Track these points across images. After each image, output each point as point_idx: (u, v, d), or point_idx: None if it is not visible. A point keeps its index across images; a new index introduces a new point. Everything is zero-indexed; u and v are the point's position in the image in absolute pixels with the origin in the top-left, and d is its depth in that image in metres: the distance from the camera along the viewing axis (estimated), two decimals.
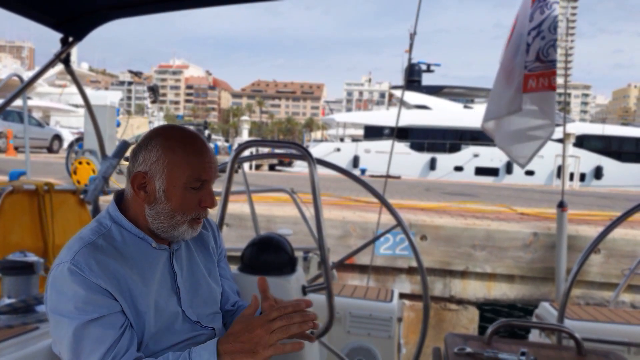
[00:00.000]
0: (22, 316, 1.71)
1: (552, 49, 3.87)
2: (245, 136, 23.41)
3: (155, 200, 1.23)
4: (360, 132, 28.79)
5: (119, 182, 6.73)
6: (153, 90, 11.93)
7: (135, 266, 1.21)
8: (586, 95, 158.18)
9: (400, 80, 36.51)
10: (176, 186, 1.22)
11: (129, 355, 1.11)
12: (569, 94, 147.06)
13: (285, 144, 2.54)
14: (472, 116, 25.24)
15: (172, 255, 1.31)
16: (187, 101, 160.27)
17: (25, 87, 2.67)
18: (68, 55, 2.41)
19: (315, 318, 1.08)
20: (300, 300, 1.07)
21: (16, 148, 15.92)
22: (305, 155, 2.22)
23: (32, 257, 1.95)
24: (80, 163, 7.87)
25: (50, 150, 18.95)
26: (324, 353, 2.64)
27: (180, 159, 1.22)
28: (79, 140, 9.87)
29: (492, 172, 23.45)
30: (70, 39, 2.30)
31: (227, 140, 49.44)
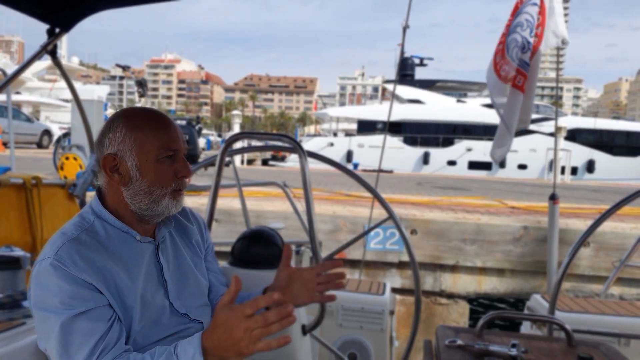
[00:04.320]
0: (8, 311, 1.69)
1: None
2: (236, 130, 23.32)
3: (130, 179, 1.22)
4: (354, 126, 28.78)
5: None
6: (141, 84, 11.79)
7: (120, 261, 1.20)
8: (578, 89, 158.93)
9: (394, 74, 36.55)
10: (148, 160, 1.22)
11: (118, 348, 1.10)
12: (561, 88, 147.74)
13: (276, 137, 2.52)
14: (465, 110, 25.35)
15: (157, 248, 1.30)
16: (179, 96, 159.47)
17: (10, 80, 2.63)
18: (55, 47, 2.37)
19: (292, 309, 1.02)
20: (272, 294, 1.00)
21: (5, 143, 15.77)
22: (296, 147, 2.21)
23: (18, 252, 1.93)
24: (67, 159, 7.80)
25: (39, 145, 18.79)
26: (315, 346, 2.64)
27: (146, 132, 1.22)
28: (67, 135, 9.79)
29: (485, 166, 23.53)
30: (57, 30, 2.27)
31: (219, 135, 49.26)
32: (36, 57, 2.34)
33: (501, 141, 4.27)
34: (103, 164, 1.23)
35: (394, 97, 6.95)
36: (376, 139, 23.18)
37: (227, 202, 5.73)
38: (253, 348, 1.00)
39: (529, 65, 4.06)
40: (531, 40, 4.06)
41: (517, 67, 4.05)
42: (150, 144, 1.22)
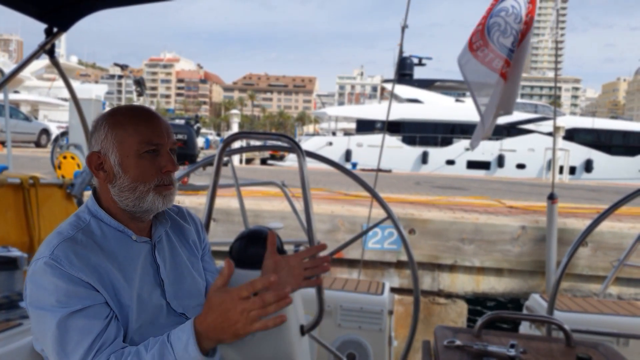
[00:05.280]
0: (5, 312, 1.68)
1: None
2: (235, 130, 23.29)
3: (114, 176, 1.23)
4: (353, 125, 28.78)
5: None
6: (139, 83, 11.72)
7: (115, 260, 1.20)
8: (576, 88, 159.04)
9: (392, 73, 36.55)
10: (129, 156, 1.22)
11: (115, 345, 1.10)
12: (559, 88, 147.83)
13: (274, 136, 2.52)
14: (463, 110, 25.31)
15: (154, 247, 1.30)
16: (178, 95, 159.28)
17: (7, 79, 2.62)
18: (53, 46, 2.36)
19: (289, 291, 1.04)
20: (269, 276, 1.02)
21: (2, 142, 15.74)
22: (294, 147, 2.20)
23: (15, 252, 1.92)
24: (64, 157, 7.79)
25: (38, 144, 18.75)
26: (314, 347, 2.63)
27: (127, 128, 1.23)
28: (65, 134, 9.77)
29: (484, 165, 23.56)
30: (55, 29, 2.26)
31: (218, 134, 49.19)
32: (34, 56, 2.33)
33: (479, 132, 4.23)
34: (88, 162, 1.24)
35: (393, 96, 6.95)
36: (375, 138, 23.19)
37: (225, 201, 5.72)
38: (250, 328, 1.02)
39: (512, 51, 4.00)
40: (515, 27, 4.01)
41: (493, 47, 3.99)
42: (130, 139, 1.22)
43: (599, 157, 23.40)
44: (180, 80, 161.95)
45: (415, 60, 30.18)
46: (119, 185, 1.22)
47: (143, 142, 1.22)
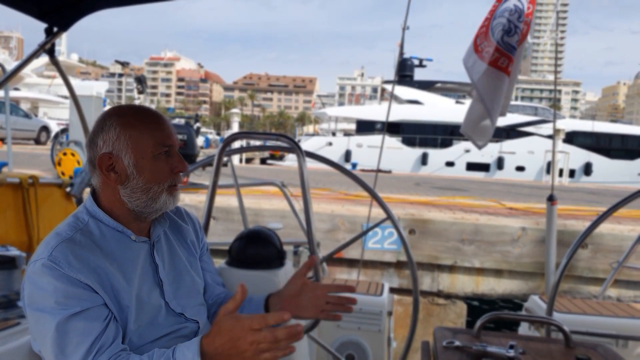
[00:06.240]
0: (3, 311, 1.68)
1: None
2: (235, 129, 23.28)
3: (127, 177, 1.22)
4: (352, 126, 28.77)
5: None
6: (140, 81, 11.69)
7: (115, 261, 1.19)
8: (576, 92, 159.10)
9: (393, 74, 36.57)
10: (145, 157, 1.22)
11: (115, 347, 1.10)
12: (559, 91, 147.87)
13: (274, 136, 2.51)
14: (463, 112, 25.10)
15: (152, 247, 1.29)
16: (178, 94, 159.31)
17: (8, 78, 2.62)
18: (53, 45, 2.36)
19: (302, 329, 1.02)
20: (282, 313, 1.00)
21: (2, 139, 15.73)
22: (294, 147, 2.20)
23: (14, 252, 1.91)
24: (64, 154, 7.79)
25: (37, 141, 18.78)
26: (313, 347, 2.63)
27: (141, 130, 1.23)
28: (65, 131, 9.78)
29: (483, 167, 23.55)
30: (55, 29, 2.26)
31: (218, 134, 49.18)
32: (34, 56, 2.33)
33: (481, 127, 4.18)
34: (99, 164, 1.22)
35: (393, 97, 6.96)
36: (375, 139, 23.18)
37: (225, 199, 5.72)
38: (258, 359, 1.01)
39: (515, 49, 3.97)
40: (519, 25, 3.98)
41: (498, 47, 3.94)
42: (145, 141, 1.22)
43: (599, 161, 23.40)
44: (180, 79, 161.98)
45: (416, 62, 30.20)
46: (131, 186, 1.22)
47: (157, 143, 1.23)
